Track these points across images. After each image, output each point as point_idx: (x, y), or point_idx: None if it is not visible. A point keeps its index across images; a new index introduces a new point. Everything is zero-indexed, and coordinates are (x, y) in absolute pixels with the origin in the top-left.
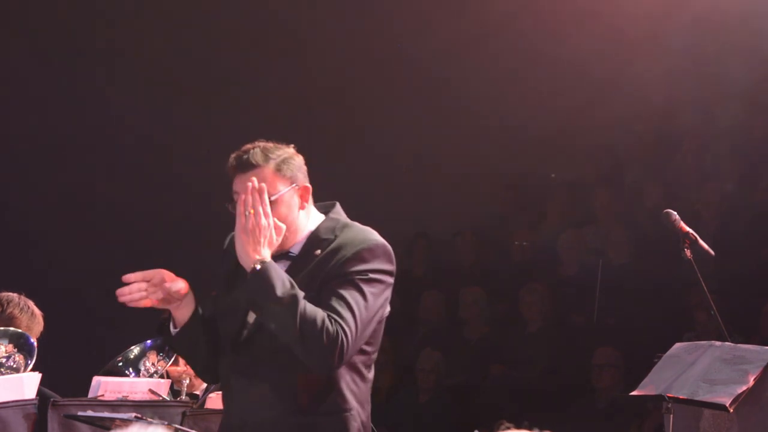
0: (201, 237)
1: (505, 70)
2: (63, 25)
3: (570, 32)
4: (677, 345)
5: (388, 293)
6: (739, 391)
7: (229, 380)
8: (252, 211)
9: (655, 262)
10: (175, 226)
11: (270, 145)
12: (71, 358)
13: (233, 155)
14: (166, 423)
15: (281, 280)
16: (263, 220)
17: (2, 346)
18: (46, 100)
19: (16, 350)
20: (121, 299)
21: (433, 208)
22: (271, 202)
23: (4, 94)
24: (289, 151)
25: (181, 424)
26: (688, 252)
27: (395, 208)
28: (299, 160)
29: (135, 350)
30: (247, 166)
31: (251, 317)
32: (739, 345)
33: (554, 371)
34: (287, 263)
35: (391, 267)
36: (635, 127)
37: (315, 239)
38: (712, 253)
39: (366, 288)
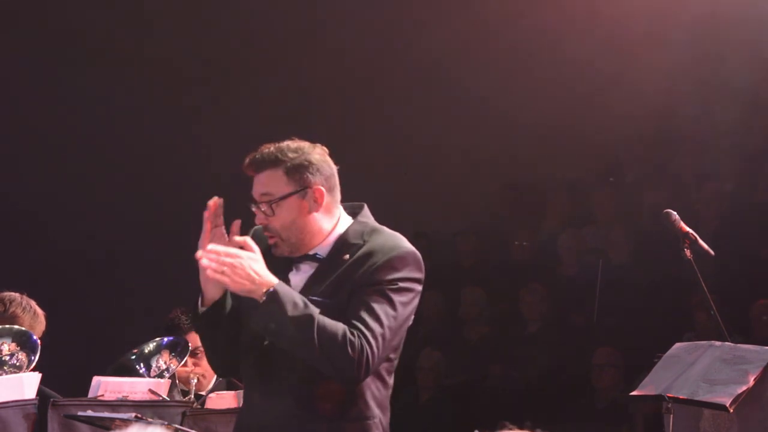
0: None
1: (506, 70)
2: (63, 25)
3: (570, 32)
4: (677, 345)
5: (416, 301)
6: (739, 391)
7: (251, 383)
8: (224, 268)
9: (655, 262)
10: (176, 225)
11: (293, 145)
12: (71, 358)
13: (250, 155)
14: (166, 423)
15: (292, 302)
16: (229, 259)
17: (5, 345)
18: (46, 99)
19: (19, 348)
20: (204, 265)
21: (433, 208)
22: (274, 206)
23: (3, 93)
24: (312, 152)
25: (181, 424)
26: (688, 252)
27: (395, 208)
28: (320, 163)
29: (150, 346)
30: (258, 167)
31: None
32: (739, 345)
33: (554, 371)
34: (314, 265)
35: (420, 275)
36: (635, 128)
37: (343, 243)
38: (712, 253)
39: (396, 297)
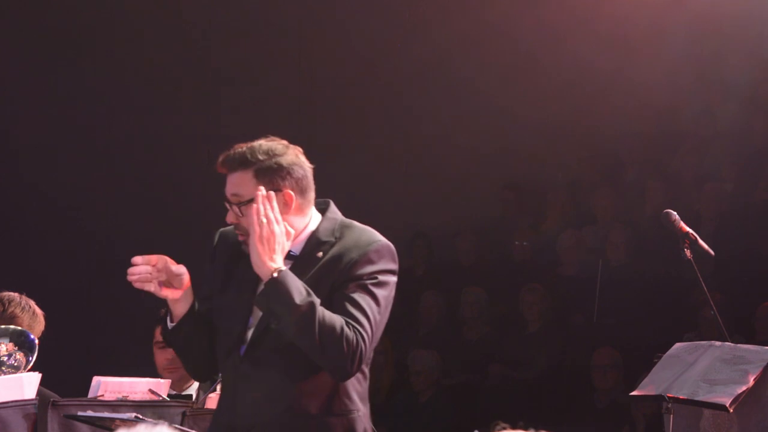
0: (201, 236)
1: (506, 70)
2: (63, 25)
3: (570, 32)
4: (677, 345)
5: (393, 291)
6: (739, 391)
7: (232, 381)
8: (265, 219)
9: (655, 262)
10: (176, 225)
11: (260, 146)
12: (71, 358)
13: (222, 154)
14: (166, 423)
15: (298, 288)
16: (276, 228)
17: (3, 345)
18: (45, 99)
19: (17, 348)
20: (130, 278)
21: (433, 208)
22: (243, 207)
23: (3, 93)
24: (284, 155)
25: (181, 424)
26: (688, 252)
27: (395, 207)
28: (291, 165)
29: None
30: (229, 167)
31: (254, 318)
32: (739, 345)
33: (554, 371)
34: (289, 263)
35: (395, 266)
36: (635, 127)
37: (315, 240)
38: (712, 253)
39: (377, 291)
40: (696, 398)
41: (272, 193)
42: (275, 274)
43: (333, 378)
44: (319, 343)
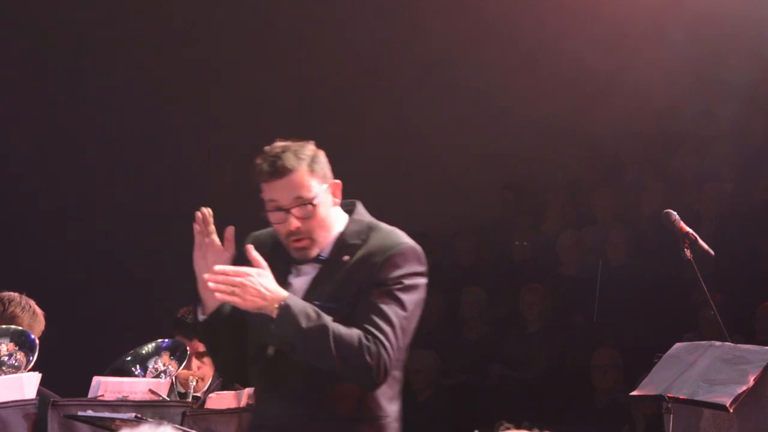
0: None
1: (506, 70)
2: (62, 25)
3: (570, 32)
4: (677, 345)
5: (423, 294)
6: (739, 391)
7: (261, 384)
8: (234, 289)
9: (655, 262)
10: (176, 224)
11: (295, 144)
12: (71, 358)
13: (264, 162)
14: (168, 424)
15: (304, 313)
16: (246, 280)
17: (3, 345)
18: (45, 99)
19: (17, 348)
20: (213, 287)
21: (433, 208)
22: (312, 205)
23: (3, 93)
24: (312, 147)
25: (181, 424)
26: (688, 252)
27: (395, 207)
28: (324, 156)
29: (149, 347)
30: (282, 172)
31: None
32: (739, 345)
33: (554, 371)
34: (317, 267)
35: (423, 268)
36: (635, 127)
37: (342, 243)
38: (712, 253)
39: (403, 296)
40: (696, 398)
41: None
42: (276, 313)
43: (361, 388)
44: (339, 360)
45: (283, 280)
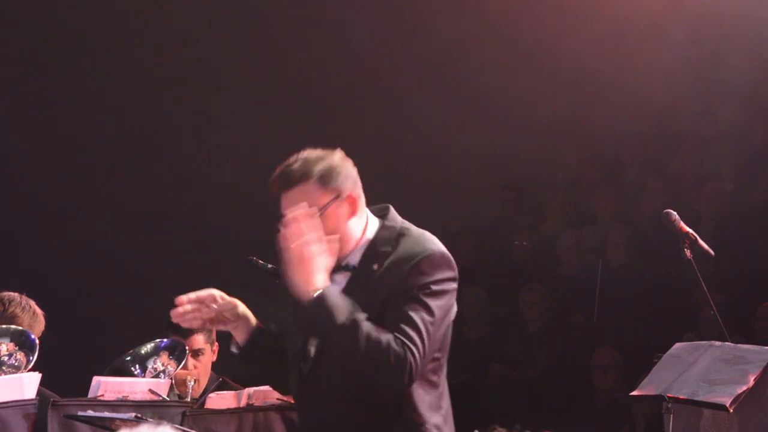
0: (201, 236)
1: (506, 70)
2: (62, 25)
3: (570, 33)
4: (677, 345)
5: (453, 299)
6: (739, 391)
7: (299, 397)
8: (298, 242)
9: (655, 262)
10: (177, 225)
11: (313, 154)
12: (71, 358)
13: (276, 172)
14: (168, 424)
15: (340, 305)
16: (312, 248)
17: (3, 345)
18: (45, 99)
19: (17, 348)
20: (175, 319)
21: (433, 208)
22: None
23: (2, 93)
24: (334, 158)
25: (181, 424)
26: (688, 252)
27: (395, 207)
28: (346, 167)
29: (147, 347)
30: (289, 183)
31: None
32: (739, 345)
33: (554, 371)
34: (347, 275)
35: (452, 273)
36: (635, 127)
37: (372, 251)
38: (712, 253)
39: (430, 302)
40: (696, 398)
41: (314, 209)
42: (314, 296)
43: (386, 392)
44: (366, 358)
45: None
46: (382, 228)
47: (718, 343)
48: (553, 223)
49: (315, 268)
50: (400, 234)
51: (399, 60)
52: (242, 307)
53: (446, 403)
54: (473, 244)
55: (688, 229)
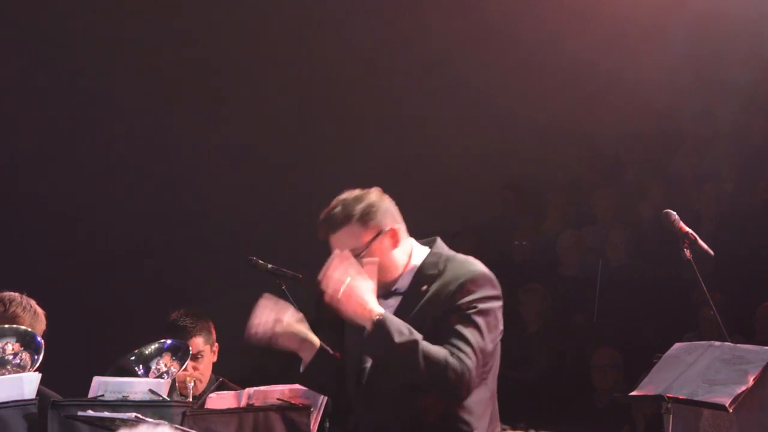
0: (201, 236)
1: (506, 70)
2: (62, 25)
3: (570, 33)
4: (677, 345)
5: (499, 315)
6: (739, 391)
7: (356, 402)
8: (343, 289)
9: (655, 262)
10: (177, 225)
11: (351, 196)
12: (71, 358)
13: (321, 217)
14: (167, 424)
15: (398, 329)
16: (355, 284)
17: (9, 344)
18: (45, 99)
19: (23, 348)
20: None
21: (433, 208)
22: (364, 255)
23: (3, 93)
24: (371, 197)
25: (181, 424)
26: (687, 252)
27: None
28: (384, 204)
29: (151, 348)
30: (334, 227)
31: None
32: (738, 345)
33: (554, 371)
34: (398, 299)
35: (496, 292)
36: (635, 127)
37: (421, 275)
38: (712, 253)
39: (478, 319)
40: (696, 398)
41: (346, 252)
42: (373, 321)
43: (446, 402)
44: (427, 376)
45: None
46: (430, 255)
47: (717, 343)
48: (553, 223)
49: (365, 299)
50: (447, 259)
51: (399, 60)
52: (305, 332)
53: (491, 410)
54: (473, 244)
55: (687, 229)
